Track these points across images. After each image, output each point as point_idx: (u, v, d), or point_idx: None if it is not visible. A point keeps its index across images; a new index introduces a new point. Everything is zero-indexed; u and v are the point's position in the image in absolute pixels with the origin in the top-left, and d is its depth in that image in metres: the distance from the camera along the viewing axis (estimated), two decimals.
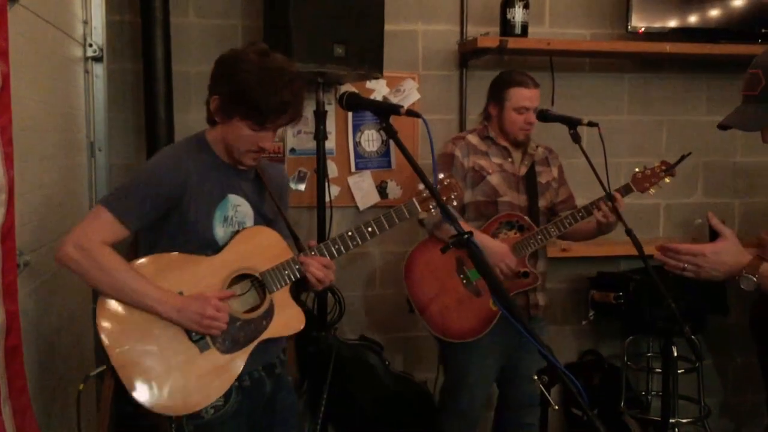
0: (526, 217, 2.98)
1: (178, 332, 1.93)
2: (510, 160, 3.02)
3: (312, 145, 3.39)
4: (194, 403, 1.92)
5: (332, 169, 3.60)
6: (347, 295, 3.54)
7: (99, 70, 2.92)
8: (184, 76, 3.45)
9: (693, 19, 3.71)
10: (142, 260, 1.95)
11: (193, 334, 1.94)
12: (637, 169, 2.98)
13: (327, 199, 3.40)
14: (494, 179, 2.97)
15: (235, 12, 3.52)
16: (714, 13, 3.73)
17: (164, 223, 1.97)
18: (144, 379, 1.88)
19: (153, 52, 3.22)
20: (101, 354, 1.91)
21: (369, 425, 3.41)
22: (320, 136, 3.33)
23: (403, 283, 3.00)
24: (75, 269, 1.89)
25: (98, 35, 2.89)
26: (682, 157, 2.94)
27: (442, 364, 3.22)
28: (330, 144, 3.57)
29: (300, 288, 2.15)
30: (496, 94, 3.00)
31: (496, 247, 2.90)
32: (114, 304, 1.90)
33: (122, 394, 1.89)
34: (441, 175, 2.36)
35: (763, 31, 3.72)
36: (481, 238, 2.87)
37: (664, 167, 2.95)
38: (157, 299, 1.89)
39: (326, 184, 3.39)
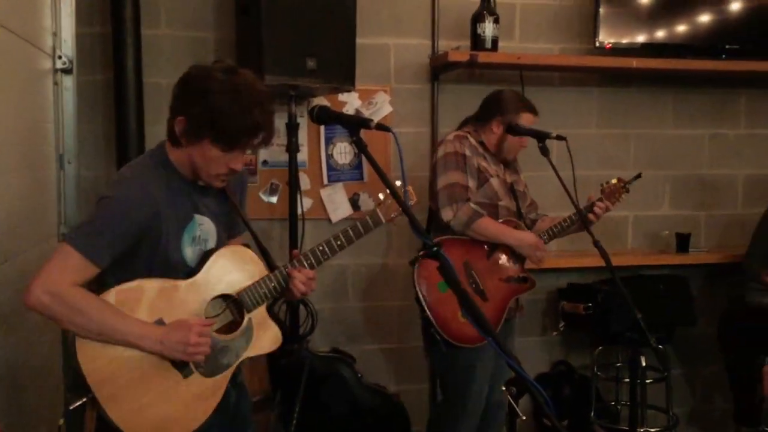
0: (522, 224, 3.04)
1: (161, 360, 1.90)
2: (500, 166, 3.08)
3: (284, 157, 3.39)
4: (181, 429, 1.93)
5: (304, 181, 3.61)
6: (319, 307, 3.53)
7: (68, 82, 2.90)
8: (156, 88, 3.43)
9: (659, 34, 3.79)
10: (115, 291, 1.88)
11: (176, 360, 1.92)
12: (603, 184, 3.08)
13: (299, 211, 3.40)
14: (495, 183, 3.00)
15: (207, 24, 3.52)
16: (679, 29, 3.81)
17: (135, 251, 1.90)
18: (129, 408, 1.86)
19: (124, 63, 3.21)
20: (79, 384, 1.86)
21: None
22: (292, 148, 3.34)
23: (417, 288, 2.87)
24: (47, 314, 1.82)
25: (68, 47, 2.87)
26: (638, 176, 3.16)
27: (443, 373, 3.11)
28: (302, 156, 3.58)
29: (276, 298, 2.16)
30: (509, 114, 2.98)
31: (528, 239, 2.96)
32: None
33: (104, 424, 1.87)
34: (398, 183, 2.36)
35: (727, 47, 3.81)
36: (510, 231, 2.96)
37: (621, 183, 3.10)
38: (137, 335, 1.85)
39: (298, 196, 3.39)
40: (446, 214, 2.89)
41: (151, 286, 1.91)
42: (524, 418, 1.57)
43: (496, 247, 2.98)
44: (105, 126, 3.40)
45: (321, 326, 3.57)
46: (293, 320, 3.38)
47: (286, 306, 3.31)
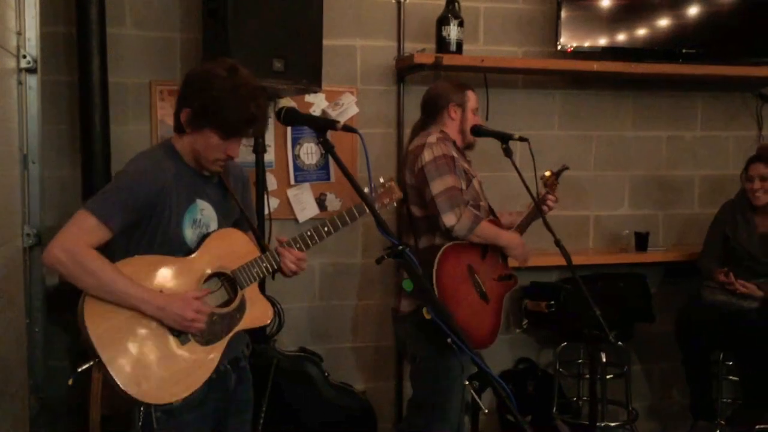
0: (501, 222, 3.09)
1: (160, 327, 2.07)
2: (470, 165, 3.12)
3: (251, 157, 3.40)
4: (178, 391, 2.08)
5: (271, 181, 3.62)
6: (287, 306, 3.55)
7: (33, 81, 2.87)
8: (121, 88, 3.43)
9: (619, 38, 3.89)
10: (123, 262, 2.08)
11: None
12: (543, 177, 3.14)
13: (266, 211, 3.42)
14: (475, 183, 3.04)
15: (174, 24, 3.51)
16: (639, 33, 3.92)
17: (140, 226, 2.10)
18: (130, 372, 2.02)
19: (89, 63, 3.19)
20: (86, 349, 2.01)
21: None
22: (259, 149, 3.36)
23: (435, 288, 2.81)
24: (62, 271, 2.02)
25: (32, 47, 2.85)
26: (565, 168, 3.21)
27: (435, 379, 2.90)
28: (269, 157, 3.59)
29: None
30: (457, 97, 3.05)
31: (518, 239, 3.02)
32: (99, 302, 2.02)
33: (109, 385, 2.03)
34: (381, 179, 2.40)
35: (684, 51, 3.92)
36: (503, 233, 3.00)
37: (553, 177, 3.17)
38: (141, 299, 2.03)
39: (265, 196, 3.41)
40: (449, 220, 2.83)
41: (152, 260, 2.10)
42: (486, 411, 1.62)
43: (487, 248, 2.99)
44: (70, 126, 3.38)
45: (288, 326, 3.59)
46: None
47: None
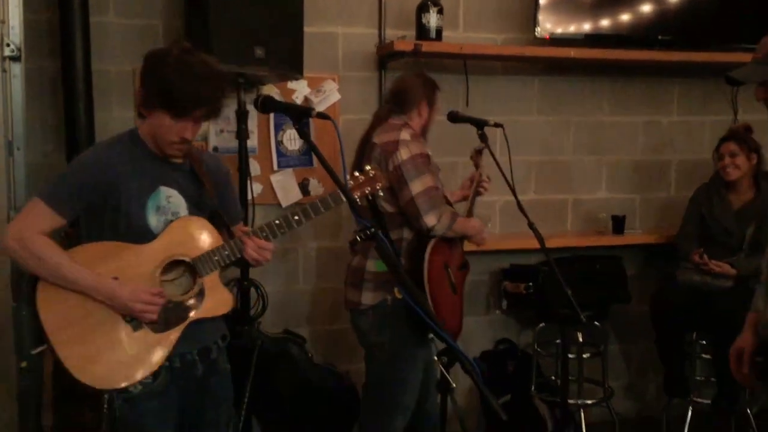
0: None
1: (113, 313, 2.07)
2: None
3: (234, 144, 3.46)
4: (128, 377, 2.07)
5: (255, 167, 3.68)
6: (270, 289, 3.62)
7: (17, 69, 2.91)
8: (105, 75, 3.47)
9: (597, 25, 3.95)
10: (78, 248, 2.08)
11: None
12: (472, 155, 3.18)
13: (249, 197, 3.47)
14: (439, 176, 3.05)
15: (156, 12, 3.55)
16: (615, 20, 3.98)
17: (101, 213, 2.09)
18: (81, 356, 2.02)
19: (72, 50, 3.23)
20: (40, 334, 2.03)
21: (293, 416, 3.50)
22: (242, 135, 3.41)
23: (427, 290, 2.83)
24: (14, 258, 2.06)
25: (16, 35, 2.89)
26: (481, 147, 3.12)
27: (388, 362, 2.94)
28: (252, 143, 3.64)
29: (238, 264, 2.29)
30: (430, 95, 3.00)
31: (480, 225, 3.04)
32: (53, 287, 2.03)
33: (61, 368, 2.03)
34: (368, 167, 2.39)
35: (660, 38, 3.99)
36: (471, 223, 3.02)
37: (473, 154, 3.17)
38: (90, 286, 2.03)
39: (249, 182, 3.46)
40: (430, 220, 2.79)
41: (108, 247, 2.09)
42: (454, 385, 1.69)
43: (453, 239, 3.00)
44: (54, 113, 3.42)
45: (272, 309, 3.66)
46: (244, 302, 3.46)
47: (236, 288, 3.39)
